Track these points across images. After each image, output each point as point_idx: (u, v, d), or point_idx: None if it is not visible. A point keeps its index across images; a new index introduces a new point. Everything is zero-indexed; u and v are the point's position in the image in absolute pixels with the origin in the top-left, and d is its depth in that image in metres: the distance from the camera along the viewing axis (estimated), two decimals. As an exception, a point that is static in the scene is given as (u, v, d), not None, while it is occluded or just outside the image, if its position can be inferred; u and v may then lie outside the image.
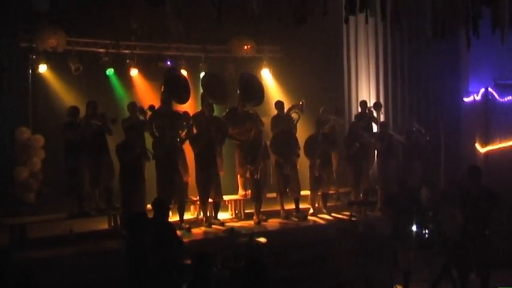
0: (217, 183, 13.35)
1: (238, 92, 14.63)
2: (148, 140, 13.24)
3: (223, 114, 14.28)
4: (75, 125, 12.74)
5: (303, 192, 14.31)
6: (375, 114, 15.54)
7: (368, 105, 15.73)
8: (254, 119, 14.05)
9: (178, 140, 13.00)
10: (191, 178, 13.67)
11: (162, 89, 14.02)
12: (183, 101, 14.15)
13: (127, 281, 8.93)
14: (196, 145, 13.15)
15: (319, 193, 14.52)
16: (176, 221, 12.54)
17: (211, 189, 13.21)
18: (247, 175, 13.85)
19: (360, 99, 16.45)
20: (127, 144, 12.16)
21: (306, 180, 14.41)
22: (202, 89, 14.43)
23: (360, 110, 15.87)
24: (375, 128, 15.51)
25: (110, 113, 13.39)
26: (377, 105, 15.71)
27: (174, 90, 13.91)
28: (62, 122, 13.01)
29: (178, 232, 10.81)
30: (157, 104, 13.72)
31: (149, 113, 13.34)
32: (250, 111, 14.40)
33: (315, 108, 15.34)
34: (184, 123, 13.13)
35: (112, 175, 12.85)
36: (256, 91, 14.94)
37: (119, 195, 12.48)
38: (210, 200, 13.33)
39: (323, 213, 14.38)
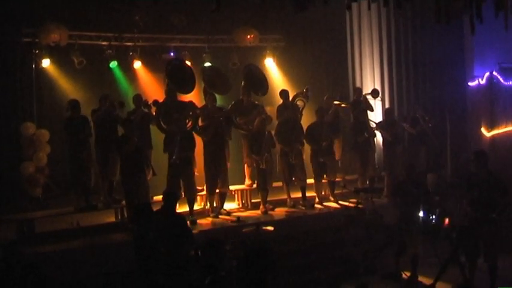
0: (225, 174, 13.36)
1: (243, 83, 14.57)
2: (157, 134, 13.30)
3: (229, 106, 14.22)
4: (74, 120, 12.70)
5: (308, 181, 14.28)
6: (371, 101, 15.51)
7: (365, 92, 15.73)
8: (259, 109, 14.00)
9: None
10: (198, 169, 13.68)
11: (166, 81, 14.00)
12: (188, 90, 14.11)
13: (135, 273, 8.96)
14: (205, 134, 13.13)
15: (323, 181, 14.50)
16: (186, 212, 12.56)
17: (219, 179, 13.24)
18: (254, 165, 13.85)
19: (364, 86, 16.45)
20: (125, 137, 12.19)
21: (310, 168, 14.38)
22: (203, 83, 14.40)
23: (355, 97, 15.85)
24: (372, 115, 15.53)
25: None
26: (375, 92, 15.67)
27: (178, 81, 13.87)
28: (64, 118, 13.02)
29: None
30: (161, 97, 13.68)
31: (154, 108, 13.30)
32: (256, 102, 14.35)
33: (319, 96, 15.34)
34: (191, 113, 13.08)
35: (117, 168, 12.83)
36: (261, 82, 14.91)
37: (120, 187, 12.54)
38: (217, 191, 13.35)
39: (330, 201, 14.36)
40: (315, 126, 14.26)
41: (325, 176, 14.41)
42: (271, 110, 14.59)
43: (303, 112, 14.57)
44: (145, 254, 8.93)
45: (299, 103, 14.49)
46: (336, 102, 15.40)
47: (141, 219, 9.29)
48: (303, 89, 14.57)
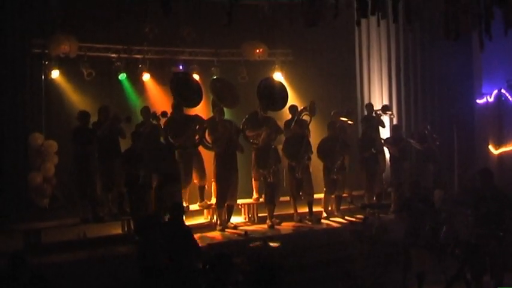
0: (235, 187, 13.38)
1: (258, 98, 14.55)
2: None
3: (244, 119, 14.23)
4: (83, 131, 12.76)
5: (316, 196, 14.26)
6: (382, 117, 15.50)
7: (375, 108, 15.72)
8: (272, 123, 14.02)
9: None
10: (208, 182, 13.70)
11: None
12: (194, 104, 14.14)
13: (139, 285, 8.95)
14: (217, 146, 13.18)
15: (332, 196, 14.48)
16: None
17: (229, 192, 13.23)
18: (261, 178, 13.84)
19: (373, 102, 16.42)
20: (133, 153, 12.19)
21: (318, 183, 14.39)
22: (212, 94, 14.42)
23: (366, 113, 15.83)
24: (381, 131, 15.52)
25: (122, 115, 13.43)
26: (386, 108, 15.66)
27: (182, 95, 13.91)
28: (72, 128, 13.06)
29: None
30: (169, 109, 13.73)
31: (162, 119, 13.33)
32: (269, 116, 14.36)
33: (327, 112, 15.32)
34: (197, 127, 13.10)
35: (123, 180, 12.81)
36: (276, 98, 14.81)
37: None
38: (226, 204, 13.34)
39: (336, 216, 14.34)
40: (327, 141, 14.26)
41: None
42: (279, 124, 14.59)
43: (309, 127, 14.52)
44: (150, 266, 8.92)
45: (305, 118, 14.46)
46: (342, 118, 15.37)
47: (145, 231, 9.30)
48: (307, 104, 14.54)
